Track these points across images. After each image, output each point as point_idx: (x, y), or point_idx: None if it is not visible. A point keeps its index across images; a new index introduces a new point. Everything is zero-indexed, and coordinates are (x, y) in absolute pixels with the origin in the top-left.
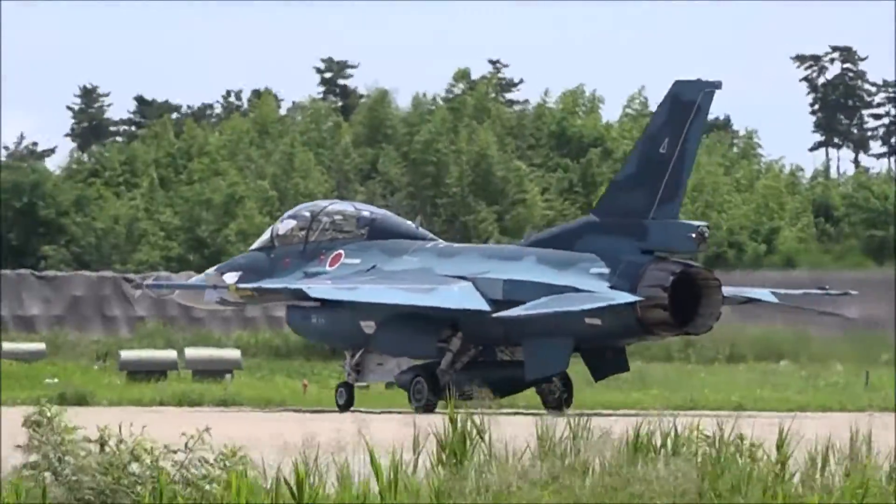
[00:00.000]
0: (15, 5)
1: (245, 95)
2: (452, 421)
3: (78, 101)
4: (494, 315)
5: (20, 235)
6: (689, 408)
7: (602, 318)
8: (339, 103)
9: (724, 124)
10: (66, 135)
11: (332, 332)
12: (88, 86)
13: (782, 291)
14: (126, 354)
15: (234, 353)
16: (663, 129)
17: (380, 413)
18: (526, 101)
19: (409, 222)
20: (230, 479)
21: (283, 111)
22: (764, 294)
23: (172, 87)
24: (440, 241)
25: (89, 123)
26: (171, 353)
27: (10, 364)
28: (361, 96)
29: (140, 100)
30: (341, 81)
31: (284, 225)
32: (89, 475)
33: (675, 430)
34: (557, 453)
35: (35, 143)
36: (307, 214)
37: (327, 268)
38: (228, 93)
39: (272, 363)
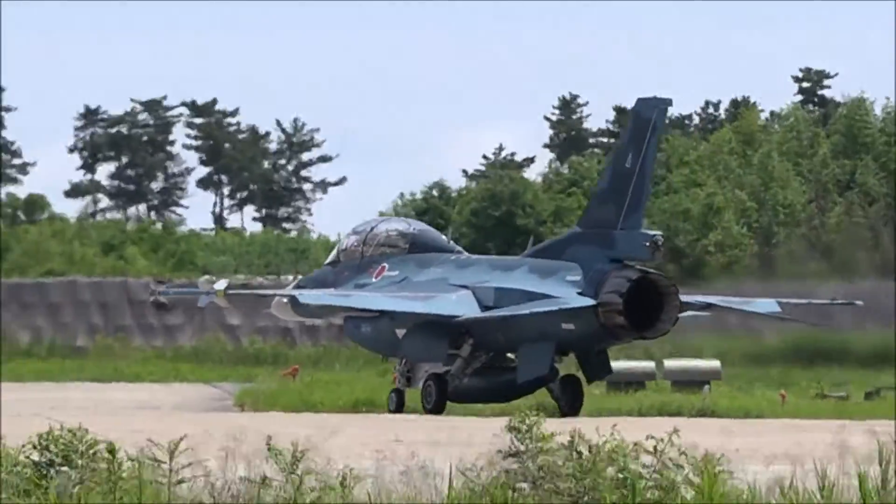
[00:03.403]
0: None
1: (723, 106)
2: None
3: (556, 111)
4: (458, 319)
5: (499, 245)
6: None
7: (575, 323)
8: (817, 112)
9: None
10: (545, 145)
11: (376, 339)
12: (567, 96)
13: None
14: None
15: (713, 364)
16: (628, 145)
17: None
18: None
19: (444, 236)
20: (705, 484)
21: (761, 121)
22: (767, 305)
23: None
24: (464, 253)
25: (567, 134)
26: (649, 364)
27: None
28: (839, 105)
29: (618, 110)
30: (819, 91)
31: (348, 240)
32: (565, 481)
33: None
34: None
35: (513, 154)
36: (366, 230)
37: (373, 279)
38: (707, 103)
39: (751, 372)
